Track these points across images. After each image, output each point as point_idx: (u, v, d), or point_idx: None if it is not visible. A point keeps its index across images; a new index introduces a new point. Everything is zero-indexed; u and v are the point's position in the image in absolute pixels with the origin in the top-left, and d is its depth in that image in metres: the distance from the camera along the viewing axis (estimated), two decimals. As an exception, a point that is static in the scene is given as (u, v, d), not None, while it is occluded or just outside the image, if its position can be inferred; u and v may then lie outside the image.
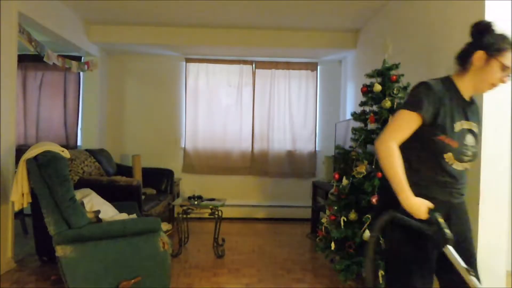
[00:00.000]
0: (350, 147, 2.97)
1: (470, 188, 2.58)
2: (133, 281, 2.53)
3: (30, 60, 5.43)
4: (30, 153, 2.55)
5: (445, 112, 1.62)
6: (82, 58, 5.40)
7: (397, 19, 3.92)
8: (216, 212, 4.01)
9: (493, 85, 1.67)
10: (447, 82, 1.70)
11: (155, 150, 5.91)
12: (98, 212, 2.73)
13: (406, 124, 1.63)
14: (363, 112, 2.96)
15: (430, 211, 1.55)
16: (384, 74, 2.86)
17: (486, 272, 2.49)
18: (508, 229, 2.55)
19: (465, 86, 1.69)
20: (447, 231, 1.50)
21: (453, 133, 1.63)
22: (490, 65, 1.60)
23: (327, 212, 2.94)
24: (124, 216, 2.87)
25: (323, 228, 2.92)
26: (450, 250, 1.51)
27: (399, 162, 1.60)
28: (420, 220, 1.56)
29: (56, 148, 2.65)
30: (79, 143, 5.74)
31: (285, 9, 4.44)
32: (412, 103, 1.64)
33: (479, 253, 2.50)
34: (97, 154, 4.64)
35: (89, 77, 5.45)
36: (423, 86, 1.65)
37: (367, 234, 2.54)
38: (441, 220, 1.52)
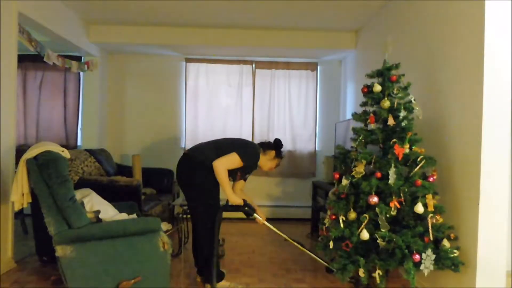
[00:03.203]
0: (352, 147, 2.97)
1: (470, 188, 2.59)
2: (133, 281, 2.54)
3: (30, 60, 5.44)
4: (30, 153, 2.55)
5: None
6: (82, 58, 5.40)
7: (397, 19, 3.92)
8: (216, 212, 3.99)
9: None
10: None
11: (155, 150, 5.92)
12: (98, 212, 2.73)
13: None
14: (364, 112, 2.96)
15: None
16: (384, 74, 2.86)
17: (486, 272, 2.50)
18: (508, 229, 2.55)
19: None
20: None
21: None
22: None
23: (328, 212, 2.95)
24: (124, 216, 2.87)
25: (324, 228, 2.93)
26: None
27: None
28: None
29: (56, 148, 2.65)
30: (79, 143, 5.74)
31: (285, 9, 4.44)
32: None
33: (479, 253, 2.51)
34: (97, 154, 4.64)
35: (89, 77, 5.46)
36: None
37: (364, 233, 2.56)
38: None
